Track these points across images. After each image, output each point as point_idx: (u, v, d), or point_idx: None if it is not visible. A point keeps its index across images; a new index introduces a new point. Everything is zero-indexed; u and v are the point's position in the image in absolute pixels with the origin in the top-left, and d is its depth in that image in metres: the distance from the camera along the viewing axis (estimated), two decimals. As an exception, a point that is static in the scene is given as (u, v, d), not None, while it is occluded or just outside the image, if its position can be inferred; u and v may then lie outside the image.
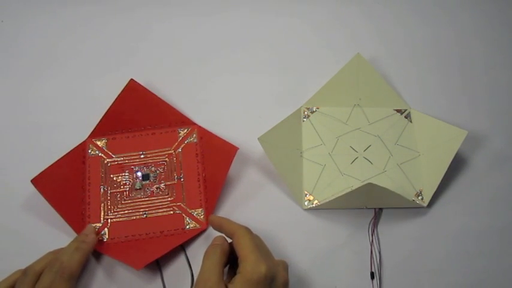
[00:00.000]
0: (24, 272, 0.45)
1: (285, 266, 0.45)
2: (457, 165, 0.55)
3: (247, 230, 0.45)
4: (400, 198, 0.51)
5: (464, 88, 0.60)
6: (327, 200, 0.52)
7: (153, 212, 0.52)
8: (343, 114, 0.58)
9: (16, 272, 0.46)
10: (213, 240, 0.46)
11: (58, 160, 0.52)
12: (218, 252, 0.44)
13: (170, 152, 0.55)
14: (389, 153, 0.55)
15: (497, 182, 0.55)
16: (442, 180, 0.52)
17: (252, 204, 0.53)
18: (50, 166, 0.52)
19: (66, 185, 0.52)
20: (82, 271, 0.49)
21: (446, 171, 0.52)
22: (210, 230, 0.51)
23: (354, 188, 0.53)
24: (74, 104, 0.58)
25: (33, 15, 0.64)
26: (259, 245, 0.44)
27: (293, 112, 0.57)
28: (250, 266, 0.41)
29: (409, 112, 0.58)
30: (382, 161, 0.55)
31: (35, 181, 0.50)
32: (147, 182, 0.53)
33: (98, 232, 0.51)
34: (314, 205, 0.53)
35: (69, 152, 0.53)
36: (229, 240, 0.46)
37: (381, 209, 0.53)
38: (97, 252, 0.50)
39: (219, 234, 0.47)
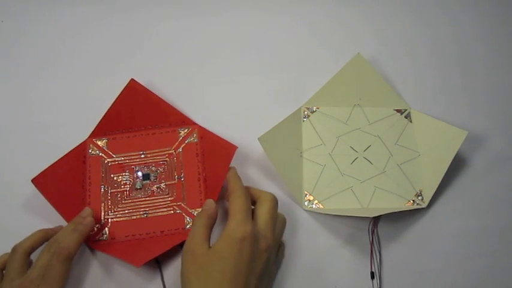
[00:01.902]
0: (14, 250, 0.46)
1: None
2: (457, 165, 0.55)
3: (244, 193, 0.46)
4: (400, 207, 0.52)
5: (463, 88, 0.60)
6: (329, 207, 0.53)
7: (154, 211, 0.52)
8: (343, 114, 0.58)
9: (4, 255, 0.47)
10: (204, 205, 0.48)
11: (58, 160, 0.52)
12: (204, 216, 0.46)
13: (170, 151, 0.55)
14: (389, 153, 0.56)
15: (497, 182, 0.55)
16: (441, 180, 0.52)
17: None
18: (50, 166, 0.52)
19: (66, 184, 0.52)
20: (83, 271, 0.49)
21: (446, 171, 0.52)
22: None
23: (354, 189, 0.53)
24: (75, 104, 0.58)
25: (34, 15, 0.64)
26: (249, 208, 0.45)
27: (293, 112, 0.57)
28: (234, 224, 0.43)
29: (409, 112, 0.58)
30: (382, 161, 0.55)
31: (36, 181, 0.50)
32: (148, 181, 0.53)
33: (98, 220, 0.51)
34: (314, 205, 0.53)
35: (69, 152, 0.53)
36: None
37: (381, 209, 0.53)
38: (97, 251, 0.50)
39: None
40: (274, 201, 0.47)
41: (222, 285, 0.41)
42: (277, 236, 0.47)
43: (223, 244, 0.42)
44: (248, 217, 0.44)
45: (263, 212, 0.46)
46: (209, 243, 0.44)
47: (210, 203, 0.48)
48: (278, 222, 0.47)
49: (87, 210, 0.51)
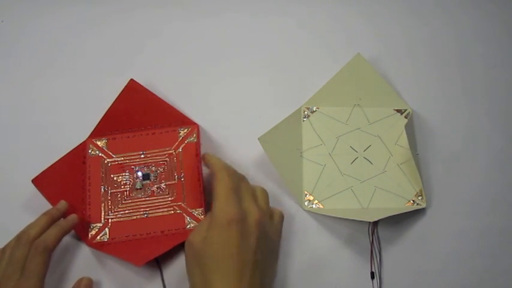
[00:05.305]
0: (2, 251, 0.46)
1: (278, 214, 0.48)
2: (456, 165, 0.55)
3: (227, 173, 0.46)
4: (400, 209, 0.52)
5: (463, 88, 0.60)
6: (329, 208, 0.53)
7: (154, 211, 0.52)
8: (343, 114, 0.58)
9: None
10: None
11: (58, 160, 0.52)
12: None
13: (170, 151, 0.55)
14: (389, 153, 0.56)
15: (497, 182, 0.55)
16: (441, 181, 0.52)
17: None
18: (50, 166, 0.52)
19: (66, 185, 0.52)
20: (83, 271, 0.49)
21: (447, 172, 0.52)
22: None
23: (354, 189, 0.53)
24: (75, 104, 0.58)
25: (34, 15, 0.64)
26: (235, 187, 0.45)
27: (293, 112, 0.57)
28: (218, 208, 0.43)
29: (409, 112, 0.58)
30: (382, 161, 0.55)
31: (36, 181, 0.50)
32: (148, 181, 0.53)
33: (98, 221, 0.52)
34: (314, 205, 0.53)
35: (69, 152, 0.53)
36: None
37: (381, 209, 0.53)
38: (98, 251, 0.50)
39: None
40: (229, 176, 0.46)
41: (216, 269, 0.41)
42: (263, 205, 0.47)
43: (211, 231, 0.43)
44: (231, 198, 0.44)
45: (243, 189, 0.46)
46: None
47: None
48: (258, 193, 0.47)
49: (62, 203, 0.50)
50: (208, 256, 0.42)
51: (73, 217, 0.49)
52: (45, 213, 0.49)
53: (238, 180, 0.46)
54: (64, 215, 0.50)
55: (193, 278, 0.43)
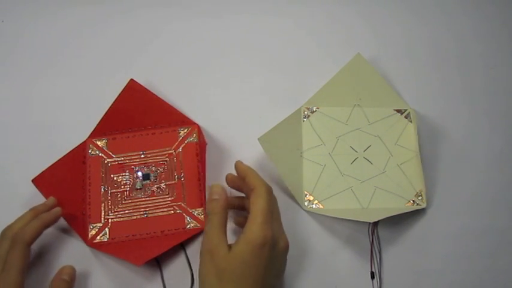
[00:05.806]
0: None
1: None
2: (456, 165, 0.55)
3: (268, 191, 0.44)
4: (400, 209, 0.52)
5: (463, 88, 0.60)
6: (329, 208, 0.53)
7: (154, 211, 0.52)
8: (343, 114, 0.58)
9: None
10: (211, 192, 0.45)
11: (58, 160, 0.52)
12: (217, 211, 0.44)
13: (170, 151, 0.55)
14: (389, 153, 0.56)
15: (497, 182, 0.55)
16: (441, 180, 0.52)
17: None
18: (50, 166, 0.52)
19: (66, 185, 0.52)
20: (83, 271, 0.49)
21: (447, 172, 0.52)
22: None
23: (354, 189, 0.53)
24: (74, 104, 0.58)
25: (34, 15, 0.64)
26: (272, 208, 0.44)
27: (293, 112, 0.57)
28: (255, 227, 0.42)
29: (409, 112, 0.58)
30: (382, 161, 0.55)
31: (36, 181, 0.50)
32: (148, 181, 0.53)
33: (98, 220, 0.52)
34: (314, 205, 0.53)
35: (69, 152, 0.53)
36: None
37: (381, 209, 0.53)
38: (98, 251, 0.50)
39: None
40: (270, 193, 0.45)
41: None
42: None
43: (243, 248, 0.41)
44: (269, 220, 0.42)
45: (276, 211, 0.46)
46: (227, 242, 0.43)
47: (219, 191, 0.45)
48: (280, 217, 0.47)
49: (51, 200, 0.50)
50: (234, 272, 0.41)
51: (56, 210, 0.49)
52: (31, 209, 0.49)
53: (273, 200, 0.45)
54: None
55: (208, 287, 0.42)
